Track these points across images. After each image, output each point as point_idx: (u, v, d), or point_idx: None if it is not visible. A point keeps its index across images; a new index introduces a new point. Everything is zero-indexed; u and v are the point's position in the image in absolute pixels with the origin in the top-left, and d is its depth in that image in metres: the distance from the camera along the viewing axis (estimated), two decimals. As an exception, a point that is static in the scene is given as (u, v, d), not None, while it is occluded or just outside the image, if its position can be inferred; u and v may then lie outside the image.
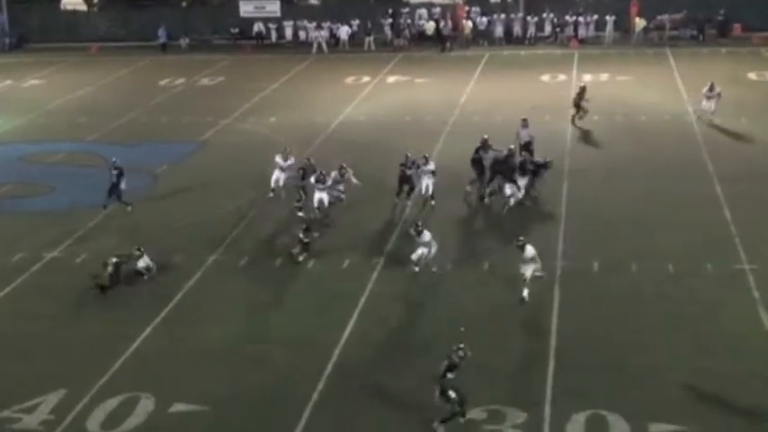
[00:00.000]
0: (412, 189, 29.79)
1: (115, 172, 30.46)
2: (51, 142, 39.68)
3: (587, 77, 47.02)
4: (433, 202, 29.52)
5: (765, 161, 33.55)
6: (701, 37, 56.39)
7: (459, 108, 42.40)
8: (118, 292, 24.78)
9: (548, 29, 58.97)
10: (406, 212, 29.22)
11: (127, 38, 63.44)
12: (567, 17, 58.16)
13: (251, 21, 62.13)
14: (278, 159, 30.88)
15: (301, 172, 29.86)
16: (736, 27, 56.90)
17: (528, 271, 23.24)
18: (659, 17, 56.91)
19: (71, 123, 42.92)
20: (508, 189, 29.47)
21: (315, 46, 58.59)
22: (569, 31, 57.87)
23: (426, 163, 29.59)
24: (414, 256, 24.72)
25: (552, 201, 29.99)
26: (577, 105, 37.78)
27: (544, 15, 59.09)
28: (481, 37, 58.97)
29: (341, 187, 29.40)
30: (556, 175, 31.14)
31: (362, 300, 23.93)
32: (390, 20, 59.70)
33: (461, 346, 17.97)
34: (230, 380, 20.33)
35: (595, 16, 57.86)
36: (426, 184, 29.56)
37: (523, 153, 31.03)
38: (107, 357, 21.38)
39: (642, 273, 24.70)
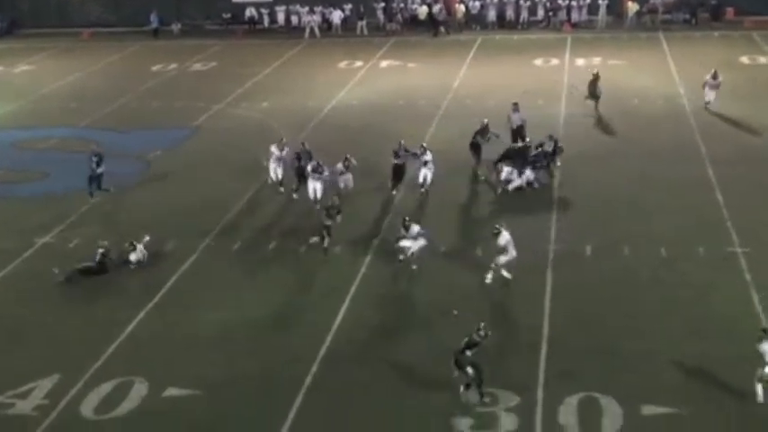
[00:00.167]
0: (401, 178, 29.50)
1: (95, 158, 30.32)
2: (43, 128, 39.56)
3: (580, 62, 47.11)
4: (422, 190, 29.27)
5: (757, 144, 33.62)
6: (693, 21, 56.35)
7: (451, 92, 42.37)
8: (110, 278, 24.79)
9: (540, 13, 58.86)
10: (398, 196, 29.19)
11: (118, 23, 63.16)
12: (560, 1, 58.05)
13: (243, 6, 61.95)
14: (273, 150, 30.36)
15: (296, 156, 29.81)
16: (729, 11, 56.91)
17: (500, 260, 23.17)
18: (652, 1, 56.86)
19: (63, 109, 42.81)
20: (504, 173, 29.58)
21: (307, 31, 58.42)
22: (562, 15, 57.76)
23: (424, 153, 29.23)
24: (400, 244, 24.58)
25: (545, 185, 30.01)
26: (592, 93, 37.41)
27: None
28: (474, 21, 58.86)
29: (347, 176, 29.05)
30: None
31: (355, 285, 23.94)
32: (383, 4, 59.57)
33: (482, 325, 18.33)
34: (224, 364, 20.36)
35: (588, 0, 57.75)
36: (424, 174, 29.20)
37: (538, 147, 30.73)
38: (100, 342, 21.40)
39: (635, 256, 24.76)
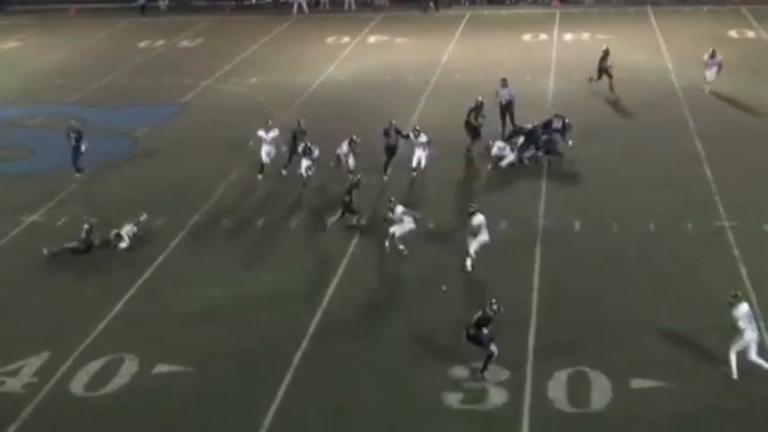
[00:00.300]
0: (390, 158, 29.05)
1: (74, 135, 30.11)
2: (31, 105, 39.37)
3: (568, 36, 47.04)
4: (414, 174, 28.82)
5: (746, 118, 33.66)
6: (682, -5, 56.15)
7: (440, 67, 42.26)
8: (99, 255, 24.74)
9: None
10: (389, 172, 29.07)
11: (105, 0, 62.70)
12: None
13: (230, -19, 61.53)
14: (261, 133, 29.60)
15: (292, 134, 29.57)
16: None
17: (473, 244, 23.06)
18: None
19: (50, 86, 42.59)
20: (495, 149, 29.61)
21: (295, 6, 58.09)
22: (551, -10, 57.52)
23: (418, 135, 28.67)
24: (389, 230, 24.33)
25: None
26: (601, 69, 36.85)
27: (525, -26, 58.68)
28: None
29: (351, 157, 28.58)
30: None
31: (345, 260, 23.97)
32: (371, -21, 59.25)
33: (494, 300, 18.45)
34: (214, 340, 20.37)
35: (577, -25, 57.48)
36: (419, 156, 28.75)
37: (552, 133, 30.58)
38: (90, 320, 21.38)
39: (623, 232, 24.81)
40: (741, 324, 17.94)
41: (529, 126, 30.60)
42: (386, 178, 28.91)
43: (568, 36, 47.12)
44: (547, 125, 30.36)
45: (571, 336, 19.86)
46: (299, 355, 19.66)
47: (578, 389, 18.05)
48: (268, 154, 29.46)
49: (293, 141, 29.36)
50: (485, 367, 18.44)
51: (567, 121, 30.39)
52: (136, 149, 33.38)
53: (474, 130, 30.68)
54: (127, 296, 22.58)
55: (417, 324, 20.69)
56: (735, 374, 18.17)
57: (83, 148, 30.03)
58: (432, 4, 56.59)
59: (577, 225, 25.30)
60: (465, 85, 37.26)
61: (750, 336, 18.00)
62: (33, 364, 19.72)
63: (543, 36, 47.98)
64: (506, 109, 32.51)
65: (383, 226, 24.69)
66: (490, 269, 22.97)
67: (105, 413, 18.11)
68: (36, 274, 24.13)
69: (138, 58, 47.69)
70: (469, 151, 30.65)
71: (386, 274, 23.52)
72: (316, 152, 28.29)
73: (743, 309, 18.10)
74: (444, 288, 22.12)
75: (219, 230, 26.18)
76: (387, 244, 24.18)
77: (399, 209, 23.99)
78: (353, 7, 57.91)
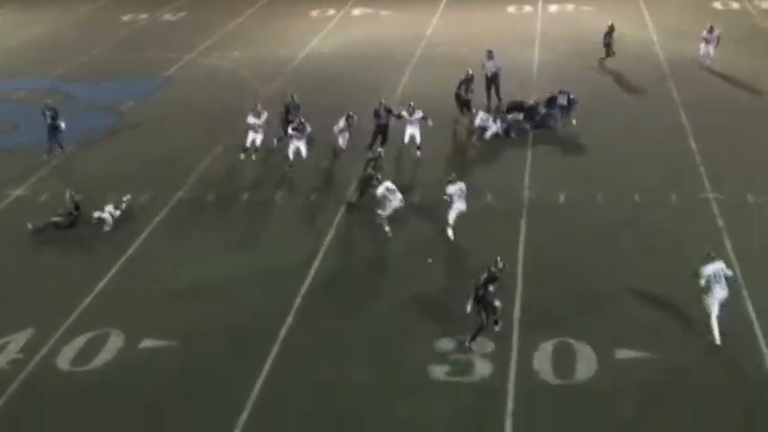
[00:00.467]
0: (385, 140, 28.39)
1: (49, 113, 29.80)
2: (13, 80, 39.09)
3: (553, 8, 46.88)
4: (419, 153, 28.29)
5: (731, 91, 33.69)
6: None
7: (425, 40, 42.12)
8: (84, 231, 24.66)
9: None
10: (376, 145, 28.88)
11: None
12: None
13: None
14: (251, 119, 28.50)
15: (285, 108, 29.31)
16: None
17: (449, 213, 23.18)
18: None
19: (33, 61, 42.26)
20: (479, 120, 29.60)
21: (279, -21, 57.74)
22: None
23: (413, 112, 28.17)
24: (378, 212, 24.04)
25: (516, 133, 30.02)
26: (607, 45, 36.55)
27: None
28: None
29: (346, 134, 28.12)
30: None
31: (330, 235, 23.95)
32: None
33: (499, 259, 18.71)
34: (199, 315, 20.37)
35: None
36: (411, 133, 28.24)
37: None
38: (75, 295, 21.35)
39: (608, 204, 24.86)
40: (703, 281, 18.33)
41: (531, 102, 30.59)
42: (369, 153, 28.51)
43: (553, 8, 46.97)
44: (551, 101, 30.34)
45: (556, 307, 19.94)
46: (284, 329, 19.68)
47: (563, 360, 18.14)
48: (253, 141, 28.47)
49: (286, 115, 29.13)
50: (479, 331, 18.61)
51: (572, 97, 30.32)
52: (119, 124, 33.22)
53: (465, 103, 30.65)
54: (112, 272, 22.53)
55: (403, 297, 20.73)
56: (717, 340, 18.37)
57: (62, 126, 29.73)
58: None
59: (562, 197, 25.34)
60: (450, 58, 37.19)
61: (717, 293, 18.33)
62: (19, 340, 19.69)
63: (528, 8, 47.80)
64: (492, 81, 32.51)
65: (367, 200, 24.68)
66: (475, 241, 22.99)
67: (91, 388, 18.12)
68: (20, 249, 24.05)
69: (121, 31, 47.37)
70: (457, 122, 30.59)
71: (371, 248, 23.50)
72: (308, 129, 27.88)
73: (710, 268, 18.45)
74: (430, 261, 22.19)
75: (204, 205, 26.11)
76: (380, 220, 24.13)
77: (380, 189, 23.67)
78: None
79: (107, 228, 24.61)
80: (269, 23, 47.02)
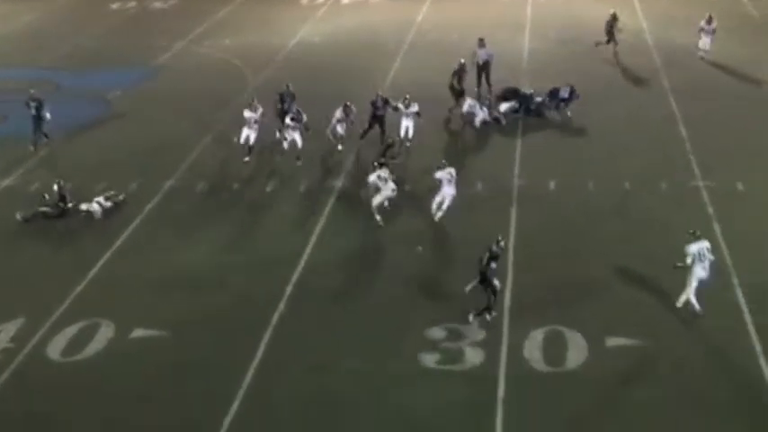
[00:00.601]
0: (383, 131, 28.20)
1: (34, 104, 29.54)
2: (1, 70, 38.87)
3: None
4: (408, 144, 28.16)
5: (722, 78, 33.77)
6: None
7: (415, 26, 42.08)
8: (74, 220, 24.57)
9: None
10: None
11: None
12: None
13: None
14: (247, 114, 27.73)
15: (279, 97, 29.14)
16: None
17: (436, 197, 23.39)
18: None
19: (21, 50, 42.05)
20: (466, 106, 29.57)
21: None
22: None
23: (408, 105, 27.97)
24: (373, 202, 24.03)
25: (507, 121, 30.02)
26: (609, 33, 36.34)
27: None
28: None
29: (344, 124, 27.90)
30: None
31: (321, 222, 23.94)
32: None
33: (500, 237, 19.02)
34: (190, 305, 20.34)
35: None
36: (406, 126, 28.03)
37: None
38: (65, 285, 21.28)
39: (599, 191, 24.90)
40: (689, 260, 18.65)
41: (527, 92, 30.52)
42: (361, 141, 28.59)
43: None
44: (554, 93, 30.34)
45: (547, 295, 19.97)
46: (276, 318, 19.67)
47: (554, 348, 18.18)
48: (247, 138, 27.72)
49: (281, 104, 28.98)
50: (486, 310, 18.93)
51: (575, 90, 30.31)
52: (109, 113, 33.10)
53: (460, 94, 30.59)
54: (102, 261, 22.47)
55: (394, 286, 20.75)
56: (698, 309, 18.83)
57: (47, 116, 29.53)
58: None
59: (552, 185, 25.36)
60: (440, 45, 37.21)
61: (699, 273, 18.67)
62: (9, 329, 19.63)
63: (518, -6, 47.75)
64: (483, 69, 32.53)
65: (357, 189, 24.68)
66: (465, 230, 23.01)
67: (82, 378, 18.07)
68: (10, 239, 23.95)
69: (111, 19, 47.18)
70: (451, 111, 30.53)
71: (362, 237, 23.47)
72: (305, 118, 27.55)
73: (695, 246, 18.77)
74: (419, 249, 22.20)
75: (195, 194, 26.05)
76: (382, 209, 24.05)
77: (372, 176, 23.72)
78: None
79: (97, 217, 24.53)
80: (259, 11, 46.88)
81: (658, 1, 43.21)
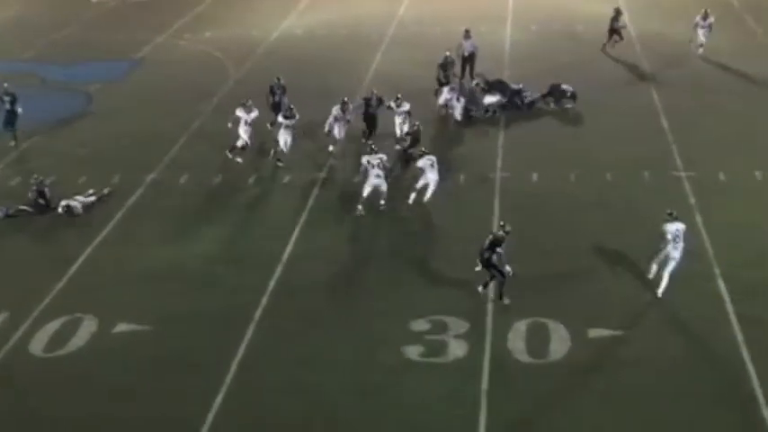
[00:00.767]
0: (374, 129, 27.98)
1: (8, 98, 29.26)
2: (-19, 63, 38.69)
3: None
4: (397, 147, 27.48)
5: (701, 67, 33.86)
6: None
7: (397, 19, 42.03)
8: (56, 215, 24.44)
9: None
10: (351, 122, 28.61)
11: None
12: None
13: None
14: (240, 113, 27.14)
15: (270, 90, 28.98)
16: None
17: (419, 182, 23.76)
18: None
19: (1, 43, 41.74)
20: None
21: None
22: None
23: (400, 105, 27.76)
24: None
25: (492, 115, 30.04)
26: (612, 30, 36.05)
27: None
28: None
29: (342, 122, 27.27)
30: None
31: (304, 216, 23.91)
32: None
33: (503, 223, 19.48)
34: (173, 299, 20.29)
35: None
36: (399, 124, 27.82)
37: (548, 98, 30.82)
38: (48, 280, 21.19)
39: (581, 182, 24.97)
40: (669, 236, 19.18)
41: (516, 86, 30.52)
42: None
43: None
44: (555, 88, 30.52)
45: (530, 287, 19.98)
46: (259, 311, 19.65)
47: (537, 339, 18.24)
48: (250, 137, 27.24)
49: (272, 97, 28.87)
50: (500, 295, 19.41)
51: (573, 91, 30.46)
52: (91, 106, 32.96)
53: (444, 86, 30.57)
54: (84, 256, 22.39)
55: (377, 278, 20.77)
56: (660, 293, 19.33)
57: (19, 110, 29.34)
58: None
59: (535, 177, 25.41)
60: (423, 37, 37.20)
61: (672, 254, 19.12)
62: (-9, 325, 19.59)
63: (500, -14, 47.72)
64: (468, 61, 32.56)
65: (340, 181, 24.66)
66: (448, 222, 23.04)
67: (65, 374, 18.00)
68: (-9, 234, 23.89)
69: (92, 12, 46.90)
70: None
71: (346, 228, 23.48)
72: (297, 116, 26.96)
73: (672, 226, 19.26)
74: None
75: (178, 187, 25.97)
76: (382, 203, 24.05)
77: (365, 158, 23.87)
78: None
79: (77, 212, 24.41)
80: (240, 4, 46.68)
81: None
